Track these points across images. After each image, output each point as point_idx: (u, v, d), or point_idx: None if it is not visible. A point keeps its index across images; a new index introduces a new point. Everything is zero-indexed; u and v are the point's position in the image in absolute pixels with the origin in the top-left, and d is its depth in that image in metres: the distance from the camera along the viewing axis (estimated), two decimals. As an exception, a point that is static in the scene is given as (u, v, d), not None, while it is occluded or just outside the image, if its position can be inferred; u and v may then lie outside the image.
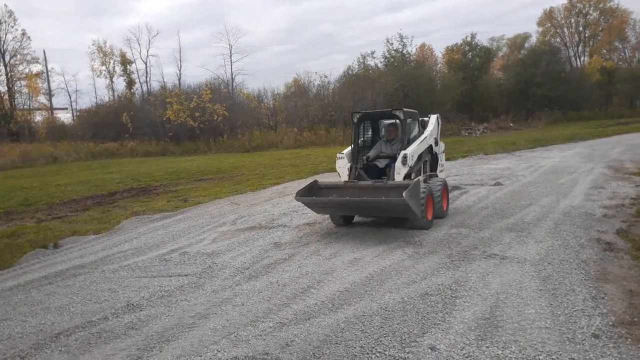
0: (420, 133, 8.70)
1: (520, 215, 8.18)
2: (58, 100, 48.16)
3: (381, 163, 8.30)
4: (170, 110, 30.15)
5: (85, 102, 74.06)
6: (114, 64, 46.44)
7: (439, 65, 45.89)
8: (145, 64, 47.29)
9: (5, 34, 43.17)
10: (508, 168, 14.75)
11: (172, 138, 30.71)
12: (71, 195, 14.76)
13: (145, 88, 45.69)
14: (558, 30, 53.39)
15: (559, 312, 4.29)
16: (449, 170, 14.67)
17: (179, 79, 44.83)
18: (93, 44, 59.58)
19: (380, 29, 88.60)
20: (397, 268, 5.74)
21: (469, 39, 42.51)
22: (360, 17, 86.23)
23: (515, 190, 10.76)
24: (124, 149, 30.33)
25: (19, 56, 43.70)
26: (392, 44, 39.75)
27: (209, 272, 6.04)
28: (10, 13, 43.94)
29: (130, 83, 46.03)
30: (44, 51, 44.86)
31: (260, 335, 4.13)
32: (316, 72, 52.96)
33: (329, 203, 7.71)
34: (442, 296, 4.82)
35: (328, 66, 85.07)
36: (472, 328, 4.07)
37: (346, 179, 8.07)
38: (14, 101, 42.92)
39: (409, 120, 8.29)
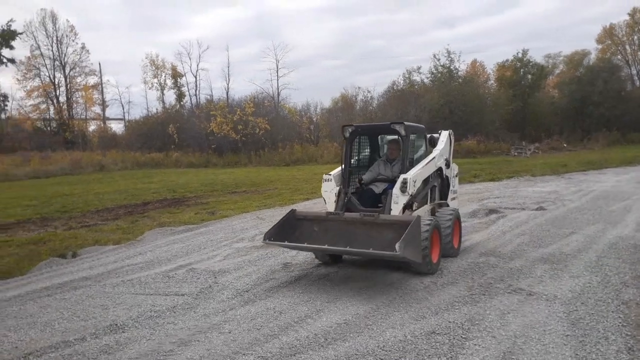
0: (428, 152, 7.40)
1: (559, 245, 7.41)
2: (112, 111, 50.46)
3: (378, 188, 6.87)
4: (214, 122, 30.62)
5: (138, 113, 76.94)
6: (165, 76, 48.07)
7: (489, 82, 44.57)
8: (195, 77, 48.59)
9: (66, 48, 45.59)
10: (555, 192, 13.75)
11: (215, 150, 31.12)
12: (106, 203, 14.98)
13: (194, 101, 46.93)
14: (619, 48, 50.76)
15: (584, 367, 3.65)
16: (490, 192, 13.91)
17: (227, 93, 45.75)
18: (146, 57, 61.94)
19: (434, 44, 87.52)
20: (407, 300, 5.21)
21: (520, 55, 41.01)
22: (413, 33, 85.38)
23: (558, 216, 9.90)
24: (169, 159, 30.98)
25: (77, 68, 46.03)
26: (439, 59, 38.90)
27: (208, 292, 5.71)
28: (72, 28, 46.46)
29: (180, 96, 47.39)
30: (99, 64, 47.06)
31: (236, 371, 3.73)
32: (359, 87, 52.46)
33: (302, 249, 6.36)
34: (450, 336, 4.26)
35: (378, 81, 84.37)
36: (477, 379, 3.51)
37: (333, 206, 6.64)
38: (72, 111, 45.09)
39: (412, 137, 6.92)
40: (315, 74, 76.12)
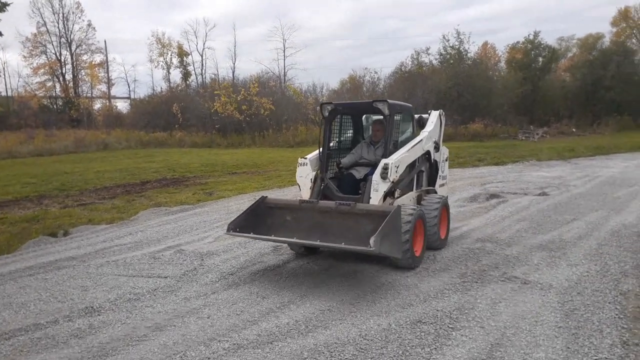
0: (416, 134, 6.76)
1: (560, 232, 7.18)
2: (118, 90, 50.15)
3: (359, 173, 6.30)
4: (218, 102, 30.33)
5: (144, 92, 76.53)
6: (171, 55, 47.68)
7: (500, 65, 43.72)
8: (201, 56, 48.39)
9: (73, 25, 45.24)
10: (560, 177, 13.44)
11: (218, 130, 30.89)
12: (105, 182, 14.86)
13: (200, 80, 46.58)
14: (634, 31, 49.54)
15: (574, 361, 3.46)
16: (493, 177, 13.63)
17: (233, 72, 45.36)
18: (152, 35, 61.43)
19: (448, 26, 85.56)
20: (396, 286, 5.02)
21: (531, 37, 40.12)
22: (427, 14, 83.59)
23: (561, 202, 9.64)
24: (173, 139, 30.79)
25: (84, 46, 45.73)
26: (449, 40, 38.12)
27: (192, 275, 5.56)
28: (78, 4, 46.03)
29: (186, 75, 47.07)
30: (105, 41, 46.60)
31: (208, 359, 3.57)
32: (366, 68, 51.54)
33: (270, 241, 5.87)
34: (436, 326, 4.07)
35: (389, 63, 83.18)
36: (459, 373, 3.33)
37: (308, 193, 6.11)
38: (78, 89, 44.93)
39: (397, 117, 6.29)
40: (324, 55, 74.93)
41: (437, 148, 7.02)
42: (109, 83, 46.34)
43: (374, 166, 5.95)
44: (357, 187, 6.03)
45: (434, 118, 7.07)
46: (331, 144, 6.60)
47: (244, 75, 41.41)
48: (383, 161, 5.63)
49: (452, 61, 37.21)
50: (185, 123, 32.55)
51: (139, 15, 72.84)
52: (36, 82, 44.50)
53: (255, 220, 5.56)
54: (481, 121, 32.27)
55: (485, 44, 49.88)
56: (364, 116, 7.13)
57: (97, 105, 44.72)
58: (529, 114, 38.45)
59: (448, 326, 4.06)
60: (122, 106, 45.87)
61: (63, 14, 44.64)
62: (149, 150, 27.55)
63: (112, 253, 6.67)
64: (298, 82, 48.11)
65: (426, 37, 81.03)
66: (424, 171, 6.92)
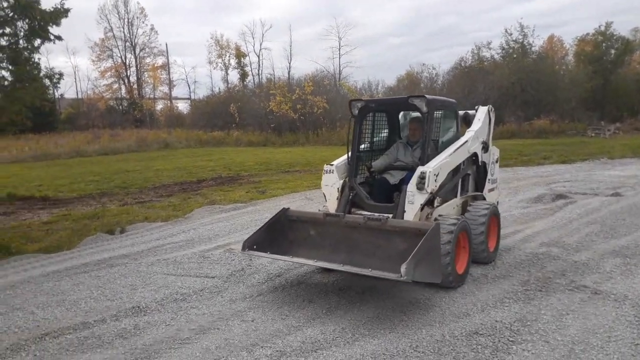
0: (459, 135, 5.97)
1: (635, 237, 6.54)
2: (179, 91, 51.70)
3: (394, 177, 5.57)
4: (273, 101, 30.61)
5: (203, 92, 78.73)
6: (229, 56, 48.70)
7: (567, 58, 41.40)
8: (258, 57, 48.94)
9: (137, 29, 47.24)
10: (635, 176, 12.42)
11: (274, 129, 31.18)
12: (164, 180, 15.27)
13: (256, 80, 47.30)
14: None
15: (657, 388, 3.04)
16: (560, 176, 12.80)
17: (288, 72, 45.73)
18: (211, 38, 63.04)
19: (510, 19, 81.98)
20: (452, 294, 4.69)
21: (602, 28, 37.68)
22: (488, 9, 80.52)
23: (637, 203, 8.84)
24: (230, 138, 31.38)
25: (147, 49, 47.64)
26: (511, 34, 36.51)
27: (239, 275, 5.47)
28: (142, 10, 48.18)
29: (243, 75, 47.91)
30: (166, 44, 48.39)
31: (250, 366, 3.43)
32: (423, 64, 50.19)
33: (288, 261, 5.03)
34: (495, 338, 3.73)
35: (447, 59, 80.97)
36: (521, 395, 3.00)
37: (334, 204, 5.42)
38: (142, 91, 46.87)
39: (437, 114, 5.58)
40: (381, 52, 73.88)
41: (485, 148, 6.17)
42: (170, 84, 48.06)
43: (410, 170, 5.28)
44: (391, 194, 5.34)
45: (481, 115, 6.21)
46: (362, 146, 5.93)
47: (299, 75, 41.48)
48: (419, 169, 4.91)
49: (515, 55, 35.63)
50: (242, 122, 33.11)
51: (199, 19, 74.94)
52: (103, 85, 46.91)
53: (276, 235, 5.10)
54: (547, 117, 30.68)
55: (551, 37, 47.46)
56: (401, 113, 6.44)
57: (159, 106, 46.53)
58: (599, 110, 36.13)
59: (508, 339, 3.71)
60: (183, 107, 47.44)
61: (128, 19, 46.75)
62: (207, 149, 28.20)
63: (163, 251, 6.73)
64: (353, 80, 47.73)
65: (486, 32, 77.80)
66: (470, 174, 6.15)
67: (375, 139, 6.13)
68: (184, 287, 5.12)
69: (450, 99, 6.06)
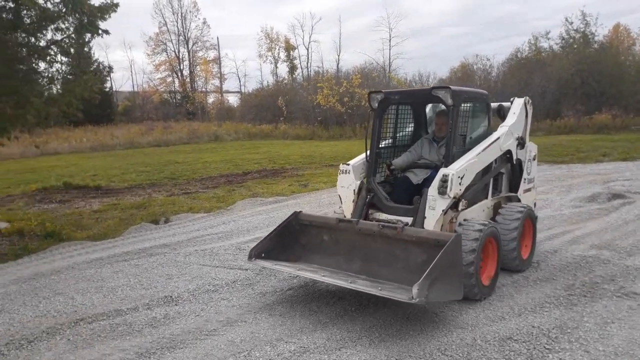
0: (491, 130, 5.41)
1: (699, 241, 6.04)
2: (230, 84, 52.78)
3: (417, 176, 5.15)
4: (320, 95, 30.59)
5: (253, 86, 79.90)
6: (278, 50, 49.08)
7: (635, 49, 38.93)
8: (307, 49, 49.03)
9: (190, 23, 48.43)
10: None
11: (320, 122, 31.18)
12: (211, 172, 15.58)
13: (305, 73, 47.46)
14: None
15: None
16: (619, 174, 12.05)
17: (337, 65, 45.55)
18: (261, 31, 63.78)
19: (571, 7, 77.65)
20: (489, 296, 4.48)
21: (675, 15, 35.13)
22: (549, -5, 76.53)
23: (703, 205, 8.19)
24: (277, 131, 31.66)
25: (199, 43, 48.78)
26: (572, 22, 34.73)
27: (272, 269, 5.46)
28: (195, 3, 49.30)
29: (292, 68, 48.17)
30: (217, 38, 49.29)
31: (271, 361, 3.40)
32: (477, 55, 48.49)
33: (295, 274, 4.63)
34: (530, 345, 3.52)
35: (505, 50, 77.61)
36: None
37: (350, 208, 5.04)
38: (194, 84, 48.08)
39: (465, 107, 5.10)
40: (434, 43, 71.68)
41: (521, 145, 5.57)
42: (221, 78, 49.01)
43: (435, 168, 4.86)
44: (413, 194, 4.90)
45: (517, 107, 5.63)
46: (384, 142, 5.53)
47: (347, 67, 41.26)
48: (442, 172, 4.46)
49: (575, 46, 33.88)
50: (290, 116, 33.30)
51: (249, 11, 75.93)
52: (158, 78, 48.45)
53: (287, 240, 4.83)
54: (609, 112, 29.01)
55: (617, 25, 44.81)
56: (428, 106, 5.95)
57: (211, 99, 47.55)
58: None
59: (544, 346, 3.50)
60: (233, 100, 48.31)
61: (181, 13, 47.98)
62: (255, 142, 28.58)
63: (202, 242, 6.83)
64: (403, 72, 47.07)
65: (546, 22, 74.19)
66: (504, 173, 5.64)
67: (399, 134, 5.73)
68: (217, 279, 5.16)
69: (481, 90, 5.59)
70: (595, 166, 13.97)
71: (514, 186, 5.75)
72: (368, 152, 5.23)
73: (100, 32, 7.53)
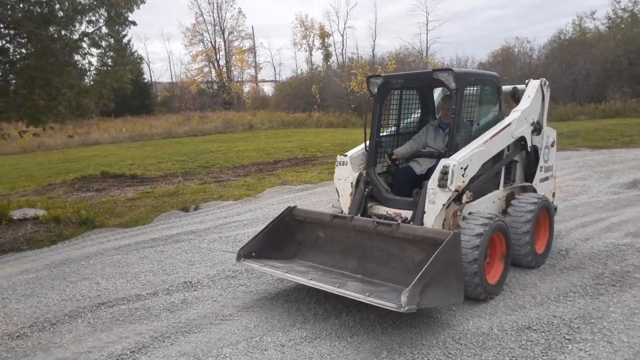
0: (502, 115, 4.98)
1: None
2: (265, 73, 53.04)
3: (421, 166, 4.83)
4: (354, 81, 30.33)
5: (288, 74, 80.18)
6: (313, 37, 48.93)
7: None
8: (342, 36, 48.84)
9: (225, 13, 48.86)
10: None
11: (354, 110, 30.95)
12: (243, 160, 15.75)
13: (340, 60, 47.15)
14: None
15: None
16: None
17: (373, 51, 45.05)
18: (296, 19, 63.64)
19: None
20: (510, 284, 4.36)
21: None
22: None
23: None
24: (311, 119, 31.66)
25: (235, 33, 49.16)
26: (620, 1, 33.04)
27: (292, 255, 5.48)
28: (230, -6, 49.56)
29: (327, 56, 47.96)
30: (252, 27, 49.51)
31: (283, 346, 3.41)
32: (517, 37, 46.69)
33: (281, 277, 4.11)
34: (549, 335, 3.40)
35: (547, 33, 74.27)
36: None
37: (348, 202, 4.74)
38: (230, 74, 48.58)
39: (472, 91, 4.69)
40: (475, 27, 69.42)
41: (537, 131, 5.15)
42: (256, 67, 49.32)
43: (440, 157, 4.45)
44: (416, 185, 4.47)
45: (532, 90, 5.22)
46: (388, 130, 5.22)
47: (382, 53, 40.78)
48: (442, 162, 4.12)
49: (623, 26, 32.23)
50: (324, 104, 33.21)
51: (284, 0, 75.67)
52: (195, 69, 49.18)
53: (282, 237, 4.61)
54: (658, 94, 27.55)
55: (669, 2, 42.30)
56: (436, 91, 5.60)
57: (247, 88, 47.94)
58: None
59: (564, 337, 3.36)
60: (268, 89, 48.58)
61: (217, 3, 48.38)
62: (289, 131, 28.69)
63: (228, 229, 6.92)
64: (440, 56, 46.01)
65: (593, 1, 70.51)
66: (518, 161, 5.27)
67: (404, 122, 5.40)
68: (238, 265, 5.21)
69: (491, 72, 5.13)
70: (638, 151, 13.32)
71: (529, 175, 5.38)
72: (368, 141, 4.91)
73: (128, 23, 7.67)
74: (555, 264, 4.81)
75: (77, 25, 7.92)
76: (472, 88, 4.68)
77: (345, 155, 4.88)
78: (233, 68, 48.42)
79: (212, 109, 37.72)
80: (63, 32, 7.69)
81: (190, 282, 4.77)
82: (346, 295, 3.52)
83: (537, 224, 4.75)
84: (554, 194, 5.76)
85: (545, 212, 4.93)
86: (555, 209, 5.64)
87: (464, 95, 4.46)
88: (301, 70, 45.47)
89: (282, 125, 31.47)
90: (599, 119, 23.61)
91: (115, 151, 20.53)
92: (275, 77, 50.44)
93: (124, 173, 13.76)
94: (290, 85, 38.51)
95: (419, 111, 5.55)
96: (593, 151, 13.32)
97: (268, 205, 8.57)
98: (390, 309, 3.19)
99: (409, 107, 5.44)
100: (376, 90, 4.87)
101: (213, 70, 48.52)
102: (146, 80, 42.54)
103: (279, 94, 39.67)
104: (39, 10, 7.43)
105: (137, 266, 5.38)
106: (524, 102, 5.10)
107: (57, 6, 7.50)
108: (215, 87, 47.52)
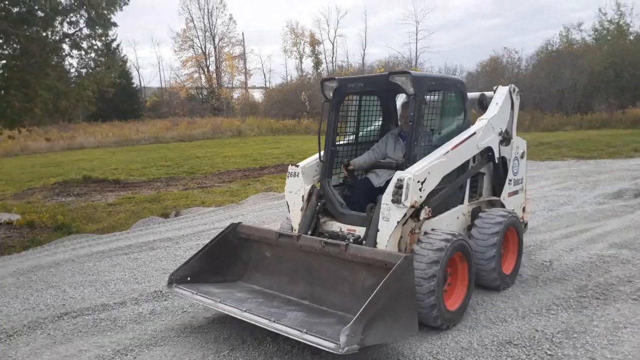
0: (468, 124, 4.56)
1: None
2: (255, 80, 52.95)
3: (379, 178, 4.48)
4: (344, 89, 30.31)
5: (278, 81, 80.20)
6: (303, 45, 48.92)
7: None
8: (332, 44, 48.83)
9: (216, 19, 48.67)
10: None
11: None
12: (229, 166, 15.57)
13: (330, 68, 47.17)
14: None
15: None
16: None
17: (362, 59, 45.12)
18: (287, 26, 63.74)
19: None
20: (492, 296, 4.24)
21: None
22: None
23: None
24: (300, 126, 31.54)
25: (225, 39, 48.98)
26: (606, 13, 33.46)
27: (270, 264, 5.31)
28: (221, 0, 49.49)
29: (317, 63, 47.98)
30: (242, 34, 49.42)
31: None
32: (505, 48, 47.10)
33: (216, 308, 3.59)
34: (530, 350, 3.27)
35: (534, 43, 74.99)
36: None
37: (298, 217, 4.36)
38: (220, 80, 48.36)
39: (434, 97, 4.33)
40: (465, 37, 69.88)
41: (505, 141, 4.80)
42: (246, 74, 49.14)
43: (400, 168, 4.07)
44: (374, 199, 4.02)
45: (500, 97, 4.89)
46: (346, 138, 4.88)
47: (372, 61, 40.78)
48: (397, 175, 3.74)
49: (609, 37, 32.64)
50: (313, 110, 33.13)
51: (275, 7, 75.80)
52: (184, 74, 48.88)
53: (224, 256, 4.19)
54: (643, 105, 27.87)
55: (655, 15, 42.95)
56: (399, 97, 5.16)
57: (236, 94, 47.72)
58: None
59: (546, 352, 3.24)
60: (258, 96, 48.39)
61: (208, 9, 48.21)
62: (277, 137, 28.54)
63: (206, 236, 6.74)
64: (429, 65, 46.15)
65: (580, 13, 71.42)
66: (485, 174, 4.89)
67: (365, 130, 5.04)
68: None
69: (454, 77, 4.87)
70: (625, 162, 13.35)
71: (498, 188, 5.01)
72: (322, 151, 4.52)
73: (109, 24, 7.50)
74: (538, 275, 4.70)
75: (58, 26, 7.76)
76: (433, 94, 4.32)
77: (297, 166, 4.49)
78: (223, 74, 48.23)
79: (201, 115, 37.48)
80: (44, 33, 7.51)
81: (161, 291, 4.58)
82: (280, 332, 3.09)
83: (505, 243, 4.45)
84: (524, 209, 5.39)
85: (514, 229, 4.57)
86: (525, 225, 5.34)
87: (424, 101, 4.06)
88: (291, 77, 45.41)
89: (271, 132, 31.31)
90: (585, 130, 23.78)
91: (100, 155, 20.23)
92: (265, 84, 50.38)
93: (106, 178, 13.50)
94: (280, 92, 38.42)
95: (381, 119, 5.19)
96: (579, 161, 13.34)
97: (250, 212, 8.41)
98: (327, 350, 2.78)
99: (370, 114, 5.07)
100: (331, 94, 4.49)
101: (203, 76, 48.30)
102: (135, 85, 42.19)
103: (268, 101, 39.55)
104: (17, 10, 7.25)
105: (107, 274, 5.18)
106: (492, 110, 4.78)
107: (36, 6, 7.32)
108: (205, 93, 47.28)
